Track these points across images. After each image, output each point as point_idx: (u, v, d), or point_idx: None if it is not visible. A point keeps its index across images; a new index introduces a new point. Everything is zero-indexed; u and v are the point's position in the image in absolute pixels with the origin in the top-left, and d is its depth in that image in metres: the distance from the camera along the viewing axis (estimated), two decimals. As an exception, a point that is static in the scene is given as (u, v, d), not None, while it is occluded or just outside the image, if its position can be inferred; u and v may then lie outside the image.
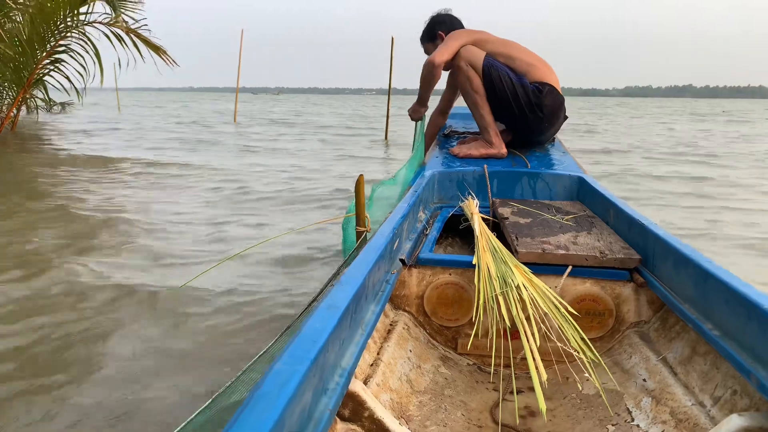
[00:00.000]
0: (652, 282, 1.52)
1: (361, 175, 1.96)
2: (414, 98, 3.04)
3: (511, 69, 2.62)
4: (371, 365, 1.30)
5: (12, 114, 10.79)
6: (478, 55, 2.61)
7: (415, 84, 2.88)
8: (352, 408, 1.05)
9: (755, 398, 1.09)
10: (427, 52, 2.94)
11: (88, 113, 20.05)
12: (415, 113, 3.04)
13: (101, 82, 10.35)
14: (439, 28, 2.88)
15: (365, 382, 1.21)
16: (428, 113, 3.14)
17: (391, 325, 1.54)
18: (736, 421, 1.01)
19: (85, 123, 15.14)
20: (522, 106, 2.60)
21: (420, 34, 2.99)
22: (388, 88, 12.08)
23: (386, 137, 12.11)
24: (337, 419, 1.03)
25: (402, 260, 1.60)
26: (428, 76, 2.75)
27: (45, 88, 18.83)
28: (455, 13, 2.99)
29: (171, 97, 69.20)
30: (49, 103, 19.60)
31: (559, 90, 2.68)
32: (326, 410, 0.84)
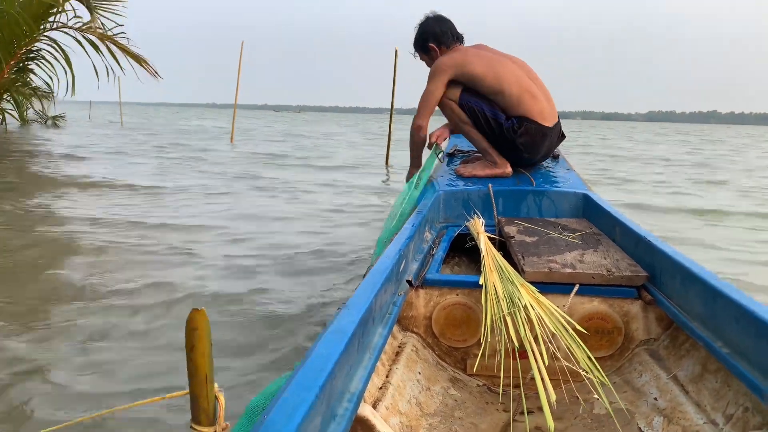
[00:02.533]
0: (660, 299, 1.51)
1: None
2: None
3: (488, 102, 2.60)
4: (380, 388, 1.30)
5: None
6: (455, 92, 2.65)
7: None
8: None
9: (767, 416, 1.08)
10: (422, 60, 2.88)
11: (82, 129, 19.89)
12: (411, 176, 2.84)
13: (72, 92, 9.53)
14: (430, 39, 2.78)
15: (374, 406, 1.21)
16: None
17: (399, 347, 1.54)
18: None
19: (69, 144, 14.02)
20: (497, 140, 2.63)
21: (413, 39, 2.89)
22: (391, 106, 10.89)
23: (387, 161, 10.60)
24: None
25: (409, 281, 1.60)
26: (416, 140, 2.83)
27: (15, 99, 18.58)
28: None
29: (187, 113, 68.45)
30: (24, 117, 19.63)
31: (545, 122, 2.59)
32: None
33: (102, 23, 8.84)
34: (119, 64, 8.87)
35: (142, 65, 9.00)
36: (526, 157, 2.67)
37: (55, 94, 17.02)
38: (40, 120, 20.41)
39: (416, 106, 2.75)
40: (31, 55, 9.59)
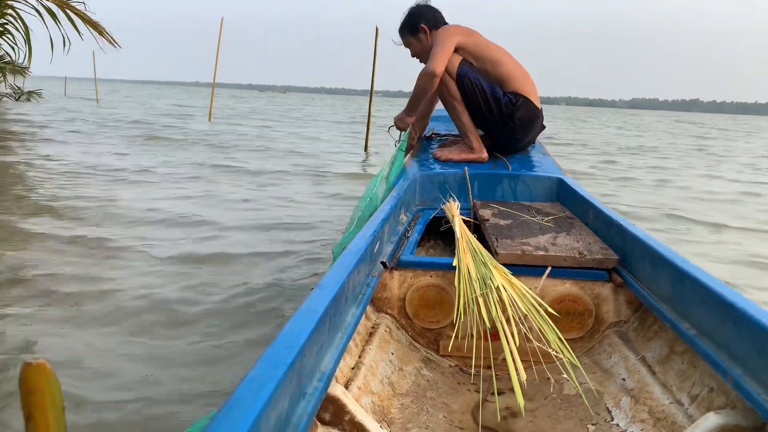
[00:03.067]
0: (631, 282, 1.54)
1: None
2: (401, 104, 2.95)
3: (487, 77, 2.60)
4: (353, 368, 1.30)
5: None
6: (454, 62, 2.58)
7: (406, 87, 2.80)
8: (333, 412, 1.05)
9: (731, 396, 1.10)
10: (408, 45, 2.83)
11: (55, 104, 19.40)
12: (402, 122, 2.86)
13: (28, 63, 8.90)
14: (422, 20, 2.74)
15: (346, 386, 1.21)
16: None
17: (373, 327, 1.54)
18: (712, 419, 1.02)
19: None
20: (494, 116, 2.60)
21: (398, 24, 2.84)
22: (371, 87, 10.15)
23: (366, 147, 9.98)
24: (318, 423, 1.03)
25: (383, 263, 1.60)
26: (426, 86, 2.60)
27: None
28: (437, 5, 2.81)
29: (170, 91, 66.76)
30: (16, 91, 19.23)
31: (536, 102, 2.65)
32: (304, 415, 0.84)
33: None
34: (78, 32, 8.20)
35: (101, 33, 8.37)
36: (518, 136, 2.68)
37: (28, 68, 16.66)
38: (14, 95, 19.98)
39: (401, 89, 2.72)
40: None
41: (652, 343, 1.43)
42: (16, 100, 19.83)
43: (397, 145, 2.76)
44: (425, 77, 2.57)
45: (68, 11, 8.19)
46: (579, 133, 19.34)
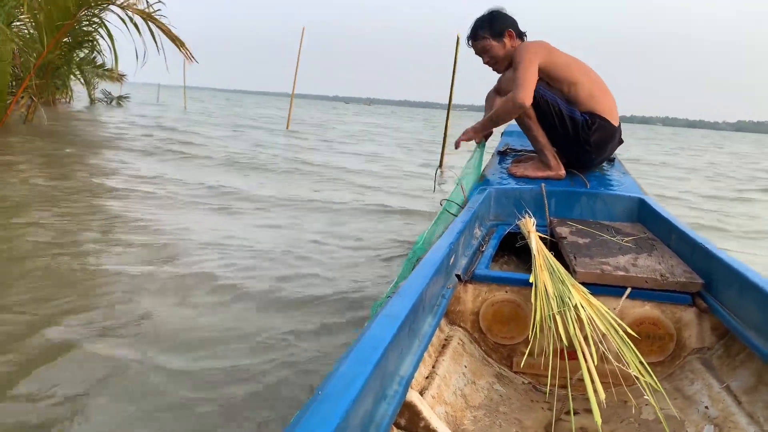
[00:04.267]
0: (716, 307, 1.48)
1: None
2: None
3: (563, 96, 2.55)
4: (427, 377, 1.31)
5: (23, 102, 9.79)
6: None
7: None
8: (409, 417, 1.07)
9: None
10: (486, 50, 2.70)
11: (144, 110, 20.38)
12: (469, 138, 2.75)
13: (115, 68, 9.72)
14: (509, 25, 2.65)
15: (421, 394, 1.23)
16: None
17: (446, 339, 1.55)
18: None
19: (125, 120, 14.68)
20: (569, 137, 2.56)
21: (472, 28, 2.71)
22: (449, 100, 9.37)
23: (441, 165, 8.85)
24: (394, 427, 1.05)
25: (458, 276, 1.61)
26: (511, 115, 2.53)
27: (85, 79, 19.35)
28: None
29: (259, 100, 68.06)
30: (90, 95, 20.53)
31: (613, 121, 2.59)
32: (385, 416, 0.86)
33: (146, 1, 8.84)
34: (156, 45, 8.76)
35: (179, 47, 8.92)
36: (593, 157, 2.63)
37: (125, 75, 17.91)
38: (105, 100, 21.55)
39: (478, 103, 2.67)
40: (82, 34, 9.68)
41: (738, 371, 1.37)
42: (108, 104, 21.32)
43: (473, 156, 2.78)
44: (512, 107, 2.47)
45: (151, 24, 8.77)
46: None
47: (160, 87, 38.77)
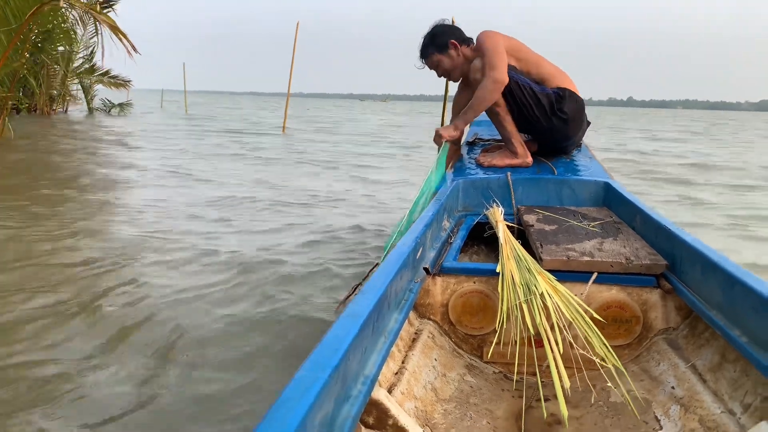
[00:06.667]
0: (680, 288, 1.50)
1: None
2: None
3: (531, 77, 2.62)
4: (396, 373, 1.31)
5: None
6: None
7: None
8: (376, 416, 1.06)
9: None
10: (436, 65, 2.77)
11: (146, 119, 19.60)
12: (447, 134, 2.69)
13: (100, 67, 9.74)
14: (451, 36, 2.72)
15: (390, 391, 1.22)
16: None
17: (416, 333, 1.55)
18: (765, 428, 0.99)
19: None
20: (546, 112, 2.59)
21: (420, 48, 2.78)
22: (445, 92, 9.17)
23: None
24: (362, 426, 1.05)
25: (426, 269, 1.61)
26: (493, 96, 2.54)
27: (83, 86, 18.88)
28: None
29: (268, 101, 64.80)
30: (109, 105, 20.46)
31: (578, 93, 2.69)
32: (348, 417, 0.86)
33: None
34: (98, 35, 8.73)
35: (120, 38, 8.57)
36: (569, 129, 2.66)
37: (129, 82, 17.89)
38: (105, 108, 21.13)
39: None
40: (44, 34, 9.56)
41: (703, 350, 1.39)
42: (107, 112, 20.84)
43: (439, 152, 2.73)
44: (493, 86, 2.50)
45: (94, 15, 8.60)
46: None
47: (163, 92, 38.87)
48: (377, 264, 1.51)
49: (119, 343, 2.16)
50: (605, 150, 12.07)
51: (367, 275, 1.49)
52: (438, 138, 2.71)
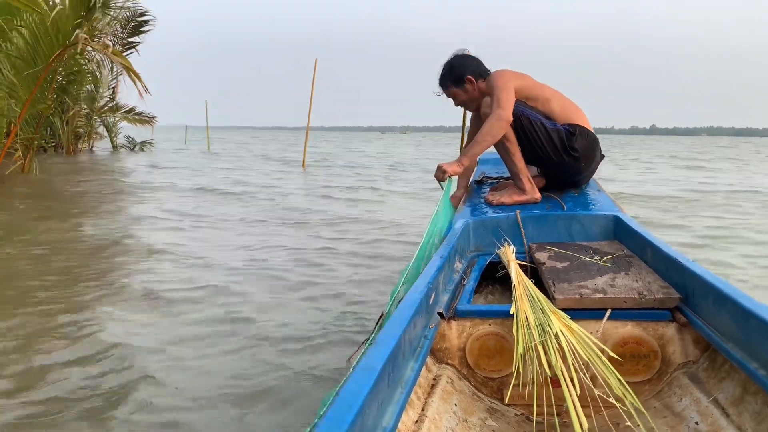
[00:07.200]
0: (695, 321, 1.50)
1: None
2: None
3: (542, 113, 2.66)
4: (416, 422, 1.31)
5: (17, 155, 9.69)
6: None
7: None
8: None
9: None
10: (452, 96, 2.86)
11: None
12: (450, 170, 2.64)
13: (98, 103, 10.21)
14: (467, 71, 2.77)
15: None
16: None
17: (434, 379, 1.55)
18: None
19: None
20: (557, 150, 2.63)
21: (439, 79, 2.85)
22: (463, 124, 8.76)
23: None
24: None
25: (440, 313, 1.62)
26: (498, 133, 2.57)
27: (106, 125, 19.45)
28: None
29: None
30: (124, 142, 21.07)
31: (591, 129, 2.72)
32: None
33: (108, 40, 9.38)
34: (111, 70, 9.34)
35: (133, 79, 9.02)
36: (582, 165, 2.70)
37: (154, 118, 18.55)
38: (128, 145, 21.70)
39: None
40: (69, 76, 10.02)
41: (724, 383, 1.38)
42: (131, 149, 21.35)
43: (443, 188, 2.69)
44: (497, 124, 2.54)
45: (110, 56, 9.01)
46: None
47: (187, 129, 39.05)
48: (383, 314, 1.51)
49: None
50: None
51: (376, 326, 1.50)
52: (441, 173, 2.67)
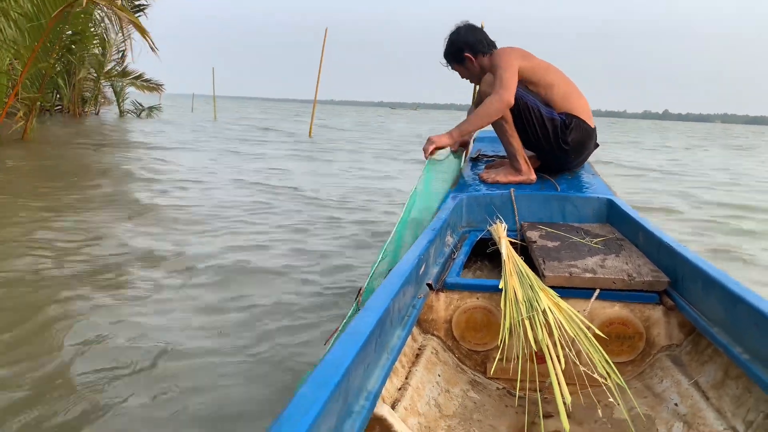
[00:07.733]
0: (682, 305, 1.51)
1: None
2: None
3: (541, 99, 2.62)
4: (399, 389, 1.32)
5: (18, 116, 9.48)
6: None
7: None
8: (380, 431, 1.08)
9: None
10: (457, 70, 2.84)
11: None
12: (439, 143, 2.62)
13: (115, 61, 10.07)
14: (466, 49, 2.73)
15: (393, 406, 1.23)
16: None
17: (419, 349, 1.56)
18: None
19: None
20: (549, 139, 2.61)
21: (443, 50, 2.82)
22: (474, 96, 8.84)
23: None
24: None
25: (429, 285, 1.62)
26: (496, 115, 2.55)
27: (115, 90, 19.12)
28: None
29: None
30: (139, 108, 20.87)
31: (589, 122, 2.66)
32: None
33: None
34: (122, 33, 8.94)
35: (142, 35, 8.65)
36: (571, 158, 2.69)
37: (161, 86, 18.39)
38: (135, 111, 21.30)
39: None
40: (74, 36, 9.72)
41: (706, 367, 1.40)
42: (138, 115, 20.97)
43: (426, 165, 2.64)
44: (497, 106, 2.51)
45: (115, 10, 8.75)
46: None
47: (194, 96, 39.71)
48: (360, 290, 1.51)
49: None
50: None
51: (356, 299, 1.49)
52: (429, 145, 2.62)
